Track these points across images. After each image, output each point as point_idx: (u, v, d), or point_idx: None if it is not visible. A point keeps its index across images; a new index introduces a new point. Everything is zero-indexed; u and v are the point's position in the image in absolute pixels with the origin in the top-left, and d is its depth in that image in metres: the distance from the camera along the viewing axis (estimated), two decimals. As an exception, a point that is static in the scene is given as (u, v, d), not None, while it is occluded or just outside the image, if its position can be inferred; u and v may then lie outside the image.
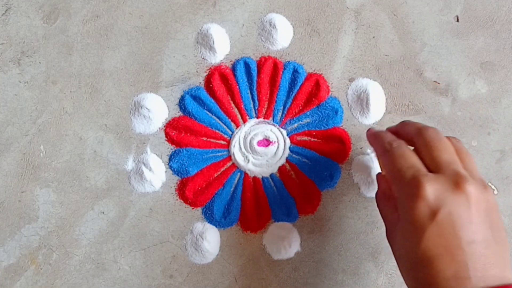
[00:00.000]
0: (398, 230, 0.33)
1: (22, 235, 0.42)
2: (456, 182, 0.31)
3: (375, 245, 0.42)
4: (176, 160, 0.42)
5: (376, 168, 0.42)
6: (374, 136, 0.38)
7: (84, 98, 0.43)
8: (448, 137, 0.35)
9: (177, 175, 0.42)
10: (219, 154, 0.43)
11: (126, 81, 0.43)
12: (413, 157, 0.34)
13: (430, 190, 0.31)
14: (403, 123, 0.37)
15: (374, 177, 0.42)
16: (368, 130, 0.39)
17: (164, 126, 0.43)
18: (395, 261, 0.42)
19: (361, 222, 0.42)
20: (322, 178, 0.42)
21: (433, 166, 0.33)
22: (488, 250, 0.31)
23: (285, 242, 0.41)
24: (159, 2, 0.44)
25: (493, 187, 0.43)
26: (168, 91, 0.43)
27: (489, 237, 0.31)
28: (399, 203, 0.33)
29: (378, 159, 0.37)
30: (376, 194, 0.38)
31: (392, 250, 0.35)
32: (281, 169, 0.43)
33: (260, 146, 0.42)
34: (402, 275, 0.33)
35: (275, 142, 0.42)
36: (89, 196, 0.42)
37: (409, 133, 0.36)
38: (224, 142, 0.43)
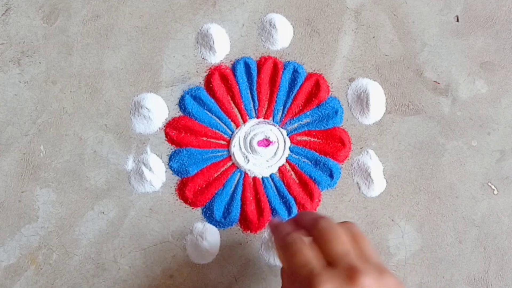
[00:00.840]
0: None
1: (22, 235, 0.42)
2: (351, 276, 0.30)
3: (375, 245, 0.42)
4: (176, 160, 0.42)
5: (376, 168, 0.42)
6: (273, 229, 0.36)
7: (84, 98, 0.43)
8: (342, 223, 0.33)
9: (177, 175, 0.42)
10: (219, 154, 0.43)
11: (126, 81, 0.43)
12: (308, 253, 0.32)
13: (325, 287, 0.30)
14: (301, 213, 0.36)
15: (374, 177, 0.42)
16: (269, 222, 0.39)
17: (164, 126, 0.43)
18: (395, 261, 0.42)
19: (361, 222, 0.42)
20: (322, 178, 0.42)
21: (328, 259, 0.32)
22: None
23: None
24: (159, 2, 0.44)
25: (493, 187, 0.43)
26: (168, 91, 0.43)
27: None
28: None
29: (278, 253, 0.35)
30: None
31: None
32: (281, 169, 0.43)
33: (260, 146, 0.42)
34: None
35: (275, 142, 0.42)
36: (89, 196, 0.42)
37: (306, 225, 0.34)
38: (224, 142, 0.43)
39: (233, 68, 0.43)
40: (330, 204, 0.42)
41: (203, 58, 0.43)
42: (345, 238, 0.32)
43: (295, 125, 0.43)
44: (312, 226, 0.33)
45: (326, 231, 0.32)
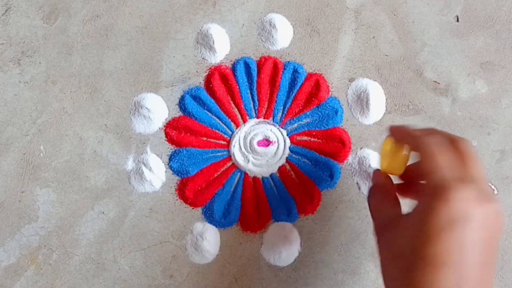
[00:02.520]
0: (401, 227, 0.32)
1: (22, 235, 0.42)
2: (484, 198, 0.30)
3: (375, 245, 0.42)
4: (176, 160, 0.42)
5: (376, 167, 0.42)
6: (397, 130, 0.36)
7: (84, 98, 0.43)
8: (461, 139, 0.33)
9: (177, 175, 0.42)
10: (219, 154, 0.43)
11: (126, 81, 0.43)
12: (449, 155, 0.32)
13: (458, 197, 0.29)
14: (432, 129, 0.35)
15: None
16: (391, 126, 0.37)
17: (164, 126, 0.43)
18: (395, 261, 0.42)
19: (361, 222, 0.42)
20: (322, 178, 0.42)
21: (464, 176, 0.31)
22: (485, 274, 0.29)
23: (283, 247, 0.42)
24: (159, 2, 0.44)
25: (493, 187, 0.43)
26: (168, 91, 0.43)
27: (490, 262, 0.30)
28: (419, 200, 0.32)
29: (410, 144, 0.35)
30: (370, 188, 0.37)
31: (380, 247, 0.33)
32: (281, 169, 0.43)
33: (260, 146, 0.42)
34: (387, 275, 0.32)
35: (275, 142, 0.42)
36: (89, 196, 0.42)
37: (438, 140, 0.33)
38: (224, 142, 0.43)
39: (233, 68, 0.43)
40: (330, 204, 0.42)
41: (203, 58, 0.43)
42: (482, 165, 0.31)
43: (295, 125, 0.43)
44: (451, 142, 0.32)
45: (469, 151, 0.31)
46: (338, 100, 0.43)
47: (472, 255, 0.29)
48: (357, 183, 0.42)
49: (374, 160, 0.42)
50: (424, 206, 0.31)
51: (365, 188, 0.42)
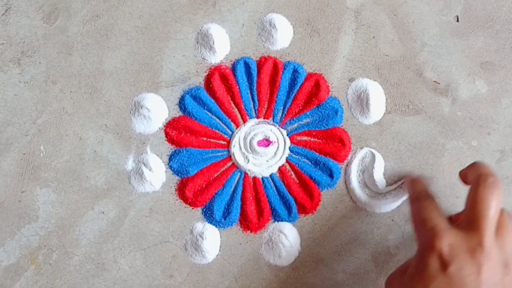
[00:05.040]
0: (407, 279, 0.34)
1: (22, 235, 0.42)
2: (474, 251, 0.32)
3: (375, 245, 0.42)
4: (176, 160, 0.42)
5: (376, 167, 0.42)
6: (409, 184, 0.40)
7: (84, 98, 0.43)
8: (503, 209, 0.35)
9: (177, 175, 0.42)
10: (219, 154, 0.43)
11: (126, 81, 0.43)
12: (436, 211, 0.35)
13: (445, 243, 0.32)
14: (473, 163, 0.37)
15: (376, 177, 0.42)
16: (406, 177, 0.41)
17: (164, 126, 0.43)
18: (395, 261, 0.42)
19: (361, 222, 0.42)
20: (322, 178, 0.42)
21: (466, 220, 0.34)
22: None
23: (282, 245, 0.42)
24: (159, 2, 0.44)
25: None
26: (168, 91, 0.43)
27: None
28: (417, 251, 0.35)
29: (410, 205, 0.39)
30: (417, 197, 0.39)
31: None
32: (281, 169, 0.43)
33: (260, 146, 0.42)
34: None
35: (275, 142, 0.42)
36: (89, 196, 0.42)
37: (471, 175, 0.36)
38: (224, 142, 0.43)
39: (233, 68, 0.43)
40: (330, 204, 0.42)
41: (203, 58, 0.43)
42: (492, 214, 0.33)
43: (295, 125, 0.43)
44: (473, 182, 0.35)
45: (483, 197, 0.33)
46: (338, 100, 0.43)
47: None
48: (359, 182, 0.42)
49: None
50: (420, 255, 0.34)
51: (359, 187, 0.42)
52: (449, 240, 0.33)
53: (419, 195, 0.38)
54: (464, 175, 0.38)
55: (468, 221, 0.33)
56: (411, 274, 0.34)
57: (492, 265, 0.32)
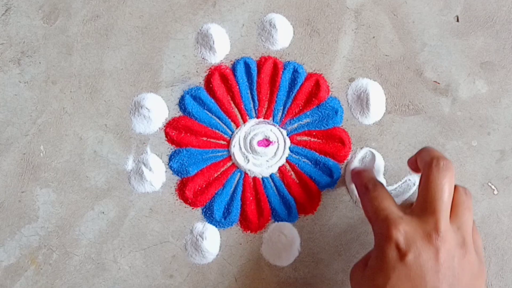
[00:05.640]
0: (368, 271, 0.34)
1: (22, 235, 0.42)
2: (430, 236, 0.32)
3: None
4: (176, 160, 0.42)
5: (376, 167, 0.42)
6: (356, 176, 0.40)
7: (84, 98, 0.43)
8: (455, 185, 0.34)
9: (177, 175, 0.42)
10: (219, 154, 0.43)
11: (126, 81, 0.43)
12: (387, 200, 0.35)
13: (401, 232, 0.32)
14: (422, 149, 0.37)
15: (375, 176, 0.42)
16: (352, 170, 0.41)
17: (164, 126, 0.43)
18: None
19: (361, 222, 0.42)
20: (322, 178, 0.42)
21: (419, 205, 0.34)
22: None
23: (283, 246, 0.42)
24: (159, 2, 0.44)
25: (493, 187, 0.43)
26: (168, 91, 0.43)
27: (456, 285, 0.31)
28: (374, 242, 0.35)
29: (360, 197, 0.39)
30: (365, 186, 0.38)
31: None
32: (281, 169, 0.43)
33: (260, 146, 0.42)
34: None
35: (275, 142, 0.42)
36: (89, 196, 0.42)
37: (421, 161, 0.35)
38: (224, 142, 0.43)
39: (233, 68, 0.43)
40: (330, 204, 0.42)
41: (203, 58, 0.43)
42: (446, 196, 0.33)
43: (295, 125, 0.43)
44: (425, 166, 0.34)
45: (434, 179, 0.33)
46: (338, 100, 0.43)
47: (429, 282, 0.31)
48: None
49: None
50: (377, 247, 0.34)
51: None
52: (404, 228, 0.32)
53: (367, 186, 0.37)
54: (413, 162, 0.37)
55: (422, 206, 0.33)
56: (371, 266, 0.34)
57: (449, 247, 0.32)
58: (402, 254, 0.32)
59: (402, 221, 0.33)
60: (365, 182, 0.38)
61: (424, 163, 0.35)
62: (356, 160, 0.42)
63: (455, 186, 0.34)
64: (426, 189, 0.33)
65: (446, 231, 0.32)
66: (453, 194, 0.34)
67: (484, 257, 0.38)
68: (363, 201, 0.37)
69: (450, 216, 0.33)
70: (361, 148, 0.43)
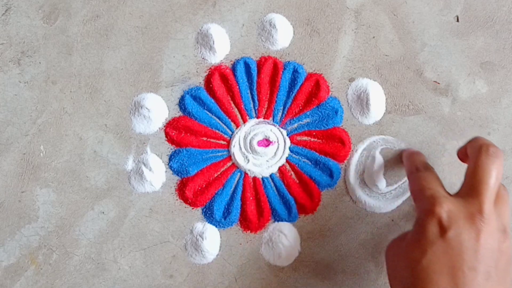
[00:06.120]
0: (405, 244, 0.34)
1: (22, 235, 0.42)
2: (473, 216, 0.32)
3: (375, 245, 0.42)
4: (176, 160, 0.42)
5: (376, 167, 0.42)
6: (407, 157, 0.40)
7: (84, 98, 0.43)
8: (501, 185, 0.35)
9: (177, 175, 0.42)
10: (219, 154, 0.43)
11: (126, 81, 0.43)
12: (435, 181, 0.36)
13: (444, 209, 0.33)
14: (473, 138, 0.37)
15: (376, 177, 0.42)
16: (404, 151, 0.41)
17: (164, 126, 0.43)
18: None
19: (361, 222, 0.42)
20: (322, 178, 0.42)
21: (465, 188, 0.34)
22: (487, 282, 0.31)
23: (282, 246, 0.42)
24: (159, 2, 0.44)
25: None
26: (168, 91, 0.43)
27: (492, 272, 0.32)
28: (416, 219, 0.35)
29: (408, 179, 0.39)
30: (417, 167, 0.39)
31: (389, 267, 0.36)
32: (281, 169, 0.43)
33: (260, 146, 0.42)
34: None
35: (275, 142, 0.42)
36: (89, 196, 0.42)
37: (471, 148, 0.36)
38: (224, 142, 0.43)
39: (233, 68, 0.43)
40: (330, 204, 0.42)
41: (203, 58, 0.43)
42: (494, 182, 0.33)
43: (295, 125, 0.43)
44: (475, 153, 0.35)
45: (485, 166, 0.34)
46: (338, 100, 0.43)
47: (467, 261, 0.31)
48: (359, 182, 0.42)
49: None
50: (419, 222, 0.34)
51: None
52: (448, 207, 0.33)
53: (418, 166, 0.38)
54: (463, 152, 0.38)
55: (468, 188, 0.34)
56: (410, 239, 0.34)
57: (490, 230, 0.32)
58: (443, 230, 0.32)
59: (447, 200, 0.33)
60: (416, 164, 0.38)
61: (473, 149, 0.35)
62: (356, 160, 0.42)
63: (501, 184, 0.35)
64: (474, 172, 0.34)
65: (489, 214, 0.32)
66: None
67: None
68: (411, 180, 0.38)
69: (495, 202, 0.34)
70: (363, 143, 0.43)
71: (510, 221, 0.34)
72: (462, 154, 0.38)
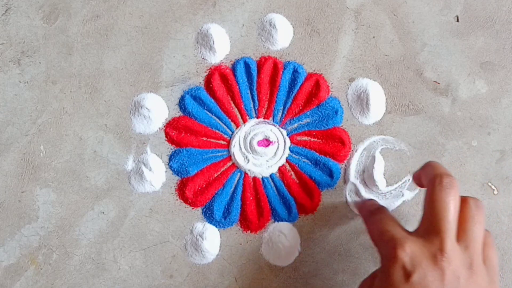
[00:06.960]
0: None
1: (22, 235, 0.42)
2: (435, 256, 0.32)
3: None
4: (176, 160, 0.42)
5: (376, 167, 0.42)
6: (359, 205, 0.41)
7: (84, 98, 0.43)
8: (465, 198, 0.34)
9: (177, 175, 0.42)
10: (219, 154, 0.43)
11: (126, 81, 0.43)
12: (391, 221, 0.35)
13: (407, 252, 0.32)
14: (426, 164, 0.36)
15: (376, 176, 0.42)
16: (356, 203, 0.42)
17: (164, 126, 0.43)
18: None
19: (361, 222, 0.42)
20: (322, 178, 0.42)
21: (424, 225, 0.33)
22: None
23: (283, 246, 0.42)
24: (159, 2, 0.44)
25: (493, 187, 0.43)
26: (168, 91, 0.43)
27: None
28: (380, 263, 0.35)
29: (365, 226, 0.39)
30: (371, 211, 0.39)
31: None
32: (281, 169, 0.43)
33: (260, 146, 0.42)
34: None
35: (275, 142, 0.42)
36: (89, 196, 0.42)
37: (425, 178, 0.35)
38: (224, 142, 0.43)
39: (233, 68, 0.43)
40: (330, 204, 0.42)
41: (203, 58, 0.43)
42: (451, 214, 0.33)
43: (295, 125, 0.43)
44: (429, 183, 0.34)
45: (437, 198, 0.33)
46: (338, 100, 0.43)
47: None
48: (359, 182, 0.42)
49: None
50: (383, 268, 0.34)
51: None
52: (410, 248, 0.32)
53: (372, 210, 0.38)
54: (417, 177, 0.37)
55: (427, 225, 0.33)
56: (377, 286, 0.34)
57: (454, 269, 0.32)
58: (407, 275, 0.32)
59: (408, 240, 0.33)
60: (369, 208, 0.38)
61: (427, 178, 0.34)
62: (356, 160, 0.42)
63: (465, 199, 0.34)
64: (430, 208, 0.33)
65: (451, 251, 0.32)
66: (462, 209, 0.33)
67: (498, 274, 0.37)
68: (368, 225, 0.37)
69: (458, 233, 0.33)
70: (363, 142, 0.43)
71: (479, 247, 0.33)
72: (418, 180, 0.37)
